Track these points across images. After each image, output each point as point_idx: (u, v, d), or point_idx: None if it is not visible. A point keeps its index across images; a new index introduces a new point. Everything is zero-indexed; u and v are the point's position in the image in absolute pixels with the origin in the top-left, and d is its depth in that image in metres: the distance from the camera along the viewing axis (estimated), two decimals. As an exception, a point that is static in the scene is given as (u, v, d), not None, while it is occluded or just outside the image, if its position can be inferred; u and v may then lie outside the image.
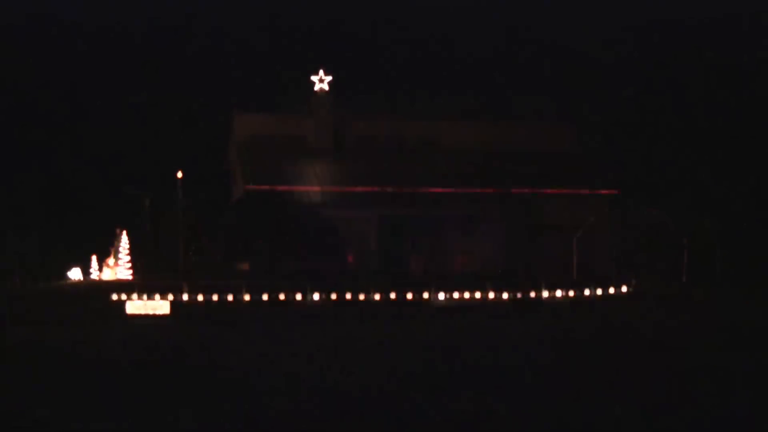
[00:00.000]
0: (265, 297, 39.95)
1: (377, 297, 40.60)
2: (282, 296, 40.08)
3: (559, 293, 42.50)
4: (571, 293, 42.64)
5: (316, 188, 56.02)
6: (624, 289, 43.96)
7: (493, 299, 41.43)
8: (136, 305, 37.60)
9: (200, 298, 39.69)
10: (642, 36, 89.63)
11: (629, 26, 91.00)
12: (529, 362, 23.27)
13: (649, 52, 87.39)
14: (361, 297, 40.65)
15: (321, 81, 59.66)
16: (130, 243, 49.94)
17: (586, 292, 42.89)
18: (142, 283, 41.16)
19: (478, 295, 41.78)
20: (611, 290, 43.61)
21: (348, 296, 40.61)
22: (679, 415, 16.61)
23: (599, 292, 43.12)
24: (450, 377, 20.75)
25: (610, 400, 17.81)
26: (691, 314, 36.88)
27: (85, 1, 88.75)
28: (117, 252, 49.80)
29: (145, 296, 39.01)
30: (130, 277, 48.74)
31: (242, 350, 26.55)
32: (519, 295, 42.14)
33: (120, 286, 42.40)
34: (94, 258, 50.49)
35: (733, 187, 62.98)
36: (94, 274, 50.15)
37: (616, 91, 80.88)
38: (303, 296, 40.09)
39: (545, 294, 42.29)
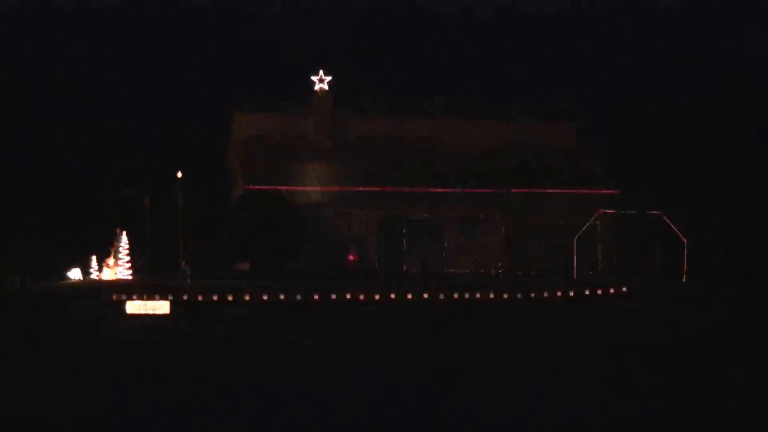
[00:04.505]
0: (265, 297, 39.92)
1: (377, 297, 40.58)
2: (282, 296, 40.05)
3: (559, 293, 42.52)
4: (571, 293, 42.66)
5: (316, 188, 56.01)
6: (624, 289, 43.94)
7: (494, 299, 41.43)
8: (136, 305, 37.57)
9: (200, 298, 39.67)
10: (643, 33, 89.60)
11: (629, 22, 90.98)
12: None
13: (650, 50, 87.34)
14: (361, 297, 40.62)
15: (321, 81, 59.66)
16: (130, 243, 49.87)
17: (587, 292, 42.89)
18: (142, 283, 41.12)
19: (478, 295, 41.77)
20: (611, 290, 43.59)
21: (348, 296, 40.57)
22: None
23: (599, 292, 43.13)
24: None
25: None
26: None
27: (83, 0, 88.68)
28: (117, 252, 49.74)
29: (145, 296, 38.97)
30: (130, 277, 48.69)
31: (242, 351, 26.53)
32: (519, 296, 42.15)
33: (120, 286, 42.36)
34: (94, 258, 50.43)
35: (734, 187, 62.96)
36: (94, 274, 50.09)
37: (617, 90, 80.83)
38: (303, 296, 40.05)
39: (545, 294, 42.30)
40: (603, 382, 20.42)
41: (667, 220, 51.65)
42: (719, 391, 18.95)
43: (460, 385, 19.86)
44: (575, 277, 50.69)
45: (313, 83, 59.78)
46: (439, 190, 56.73)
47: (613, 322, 34.85)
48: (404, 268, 54.37)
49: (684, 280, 49.93)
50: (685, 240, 50.84)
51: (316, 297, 40.22)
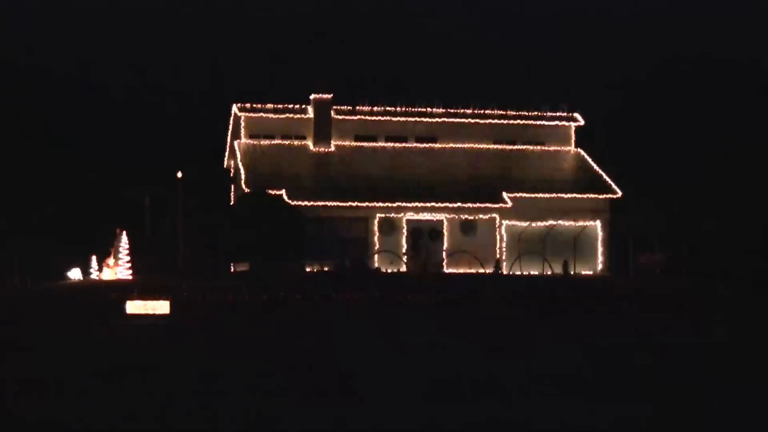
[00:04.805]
0: (264, 297, 39.97)
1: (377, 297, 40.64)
2: (281, 296, 40.09)
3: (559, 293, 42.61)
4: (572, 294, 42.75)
5: (316, 188, 56.04)
6: (624, 289, 44.03)
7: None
8: (136, 305, 37.57)
9: (200, 298, 39.70)
10: (644, 34, 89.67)
11: (631, 23, 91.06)
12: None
13: (651, 50, 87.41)
14: (360, 297, 40.67)
15: (321, 81, 59.68)
16: (130, 243, 49.93)
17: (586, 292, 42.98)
18: (142, 283, 41.18)
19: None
20: (611, 291, 43.68)
21: (347, 297, 40.63)
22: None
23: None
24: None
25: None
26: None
27: (85, 1, 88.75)
28: (117, 252, 49.79)
29: (145, 296, 39.00)
30: (130, 277, 48.73)
31: (242, 351, 26.56)
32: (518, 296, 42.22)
33: (120, 286, 42.40)
34: (94, 258, 50.49)
35: (734, 187, 63.04)
36: (94, 274, 50.15)
37: (618, 90, 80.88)
38: (302, 296, 40.09)
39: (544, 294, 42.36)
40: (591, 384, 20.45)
41: (669, 221, 51.89)
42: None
43: (458, 387, 19.90)
44: (575, 277, 50.79)
45: (314, 84, 59.81)
46: (439, 190, 56.78)
47: (611, 322, 34.88)
48: (404, 268, 54.41)
49: (683, 280, 50.13)
50: (685, 240, 51.06)
51: (316, 297, 40.26)
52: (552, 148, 61.72)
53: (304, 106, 60.44)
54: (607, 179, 59.33)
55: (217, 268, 51.46)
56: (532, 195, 57.35)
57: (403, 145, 60.49)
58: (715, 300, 42.33)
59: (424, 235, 56.07)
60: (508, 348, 26.68)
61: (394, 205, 55.60)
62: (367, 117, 61.05)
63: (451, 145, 60.56)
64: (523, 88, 77.86)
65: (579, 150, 62.20)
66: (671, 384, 19.65)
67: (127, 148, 71.59)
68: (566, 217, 56.88)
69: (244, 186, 55.33)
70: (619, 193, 58.26)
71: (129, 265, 49.75)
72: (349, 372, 21.94)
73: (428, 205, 55.79)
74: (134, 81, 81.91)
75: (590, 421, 15.91)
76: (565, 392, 18.63)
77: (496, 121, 62.03)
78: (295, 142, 59.43)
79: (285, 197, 53.33)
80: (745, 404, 17.48)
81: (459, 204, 56.25)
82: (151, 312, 36.89)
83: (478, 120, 61.76)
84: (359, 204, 55.36)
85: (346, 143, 59.89)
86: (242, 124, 59.86)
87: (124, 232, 49.72)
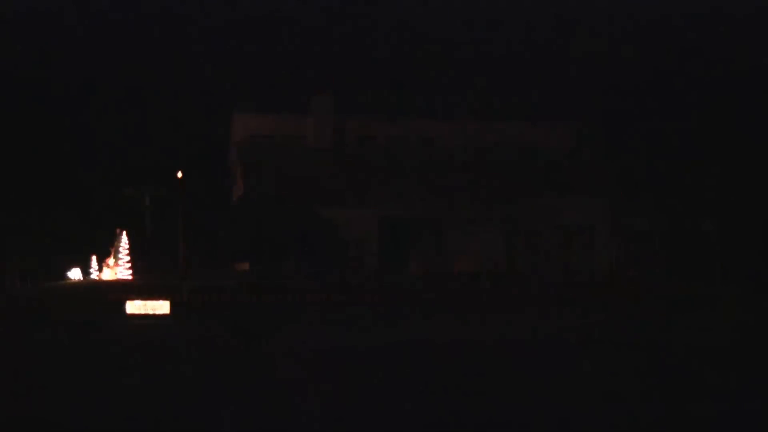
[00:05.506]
0: (263, 297, 40.00)
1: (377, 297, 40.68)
2: (281, 296, 40.13)
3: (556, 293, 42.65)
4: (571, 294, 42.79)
5: (316, 188, 56.05)
6: (624, 290, 44.05)
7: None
8: (136, 305, 37.60)
9: (200, 298, 39.73)
10: (643, 35, 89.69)
11: (629, 24, 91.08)
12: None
13: (650, 52, 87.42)
14: (358, 297, 40.71)
15: (321, 81, 59.76)
16: (130, 243, 49.96)
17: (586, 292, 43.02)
18: (142, 283, 41.16)
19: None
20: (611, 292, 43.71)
21: (347, 297, 40.68)
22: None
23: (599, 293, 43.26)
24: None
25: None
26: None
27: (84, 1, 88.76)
28: (117, 252, 49.82)
29: (145, 296, 39.00)
30: (130, 277, 48.74)
31: (242, 351, 26.59)
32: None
33: (120, 286, 42.41)
34: (94, 258, 50.51)
35: (733, 189, 63.04)
36: (94, 274, 50.15)
37: (617, 91, 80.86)
38: (301, 296, 40.12)
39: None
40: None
41: (668, 222, 51.81)
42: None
43: (455, 393, 19.94)
44: (576, 278, 50.79)
45: (314, 83, 59.89)
46: (439, 190, 56.79)
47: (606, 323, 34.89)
48: (404, 269, 54.42)
49: (683, 281, 50.17)
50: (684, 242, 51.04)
51: (314, 297, 40.29)
52: (552, 148, 61.66)
53: (304, 106, 60.40)
54: (608, 179, 59.33)
55: (217, 269, 51.46)
56: (532, 195, 57.31)
57: (403, 145, 60.46)
58: (715, 300, 42.36)
59: (425, 236, 56.04)
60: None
61: (394, 205, 55.54)
62: (367, 117, 61.01)
63: (452, 145, 60.51)
64: (522, 89, 77.78)
65: (579, 149, 62.20)
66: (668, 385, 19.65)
67: (127, 148, 71.58)
68: (566, 218, 56.81)
69: (244, 186, 55.34)
70: (620, 193, 58.22)
71: (129, 265, 49.77)
72: (348, 375, 22.00)
73: (429, 205, 55.74)
74: (134, 80, 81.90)
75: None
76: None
77: (496, 120, 61.98)
78: (296, 142, 59.40)
79: (285, 197, 53.32)
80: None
81: (460, 204, 56.21)
82: (151, 312, 36.93)
83: (478, 120, 61.69)
84: (359, 204, 55.32)
85: (347, 143, 59.87)
86: (242, 123, 59.83)
87: (124, 232, 49.75)
